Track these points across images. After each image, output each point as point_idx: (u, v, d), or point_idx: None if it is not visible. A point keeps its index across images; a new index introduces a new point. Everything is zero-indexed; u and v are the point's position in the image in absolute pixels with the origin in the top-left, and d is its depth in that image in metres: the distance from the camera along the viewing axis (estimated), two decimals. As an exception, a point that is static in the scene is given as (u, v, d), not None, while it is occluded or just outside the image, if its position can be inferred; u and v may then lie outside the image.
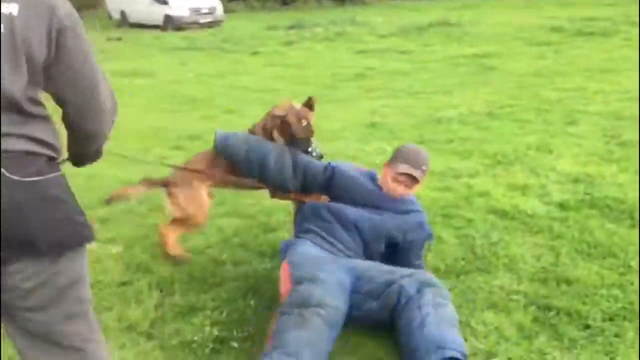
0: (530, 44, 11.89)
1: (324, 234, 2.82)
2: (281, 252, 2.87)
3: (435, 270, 3.09)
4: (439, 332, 2.29)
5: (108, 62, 11.89)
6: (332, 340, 2.33)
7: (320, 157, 3.24)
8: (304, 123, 3.07)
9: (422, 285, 2.48)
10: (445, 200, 4.11)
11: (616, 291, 2.85)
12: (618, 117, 6.10)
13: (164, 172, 4.74)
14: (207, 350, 2.46)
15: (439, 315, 2.36)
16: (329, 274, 2.52)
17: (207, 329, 2.60)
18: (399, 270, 2.63)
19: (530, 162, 4.85)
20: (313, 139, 3.17)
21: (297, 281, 2.49)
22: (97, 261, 3.26)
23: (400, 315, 2.43)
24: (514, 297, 2.86)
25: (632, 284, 2.91)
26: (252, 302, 2.85)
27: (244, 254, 3.37)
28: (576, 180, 4.35)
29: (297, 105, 3.16)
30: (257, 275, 3.13)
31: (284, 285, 2.56)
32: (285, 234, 3.60)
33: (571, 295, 2.84)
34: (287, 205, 3.70)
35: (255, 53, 12.80)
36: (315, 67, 10.51)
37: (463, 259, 3.24)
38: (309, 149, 3.18)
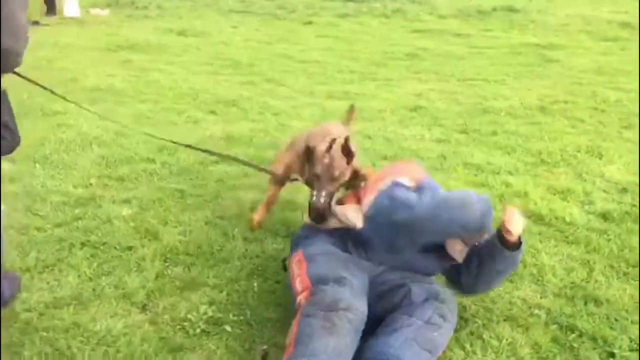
0: (598, 39, 11.24)
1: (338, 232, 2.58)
2: (292, 244, 2.70)
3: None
4: (398, 349, 2.08)
5: (162, 19, 11.91)
6: (356, 347, 2.11)
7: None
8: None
9: (430, 296, 2.29)
10: (478, 196, 3.86)
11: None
12: (682, 125, 5.67)
13: (196, 135, 4.70)
14: (197, 331, 2.34)
15: (420, 334, 2.15)
16: (353, 276, 2.29)
17: (203, 307, 2.49)
18: (412, 276, 2.44)
19: (577, 165, 4.54)
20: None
21: (319, 280, 2.26)
22: (106, 221, 3.18)
23: (389, 315, 2.26)
24: (536, 311, 2.64)
25: (669, 312, 2.65)
26: (255, 284, 2.71)
27: (257, 231, 3.22)
28: (624, 190, 4.04)
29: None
30: (266, 254, 3.00)
31: (301, 281, 2.31)
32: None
33: (599, 317, 2.60)
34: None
35: (308, 23, 12.54)
36: (367, 43, 10.19)
37: (487, 262, 3.01)
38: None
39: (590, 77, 7.96)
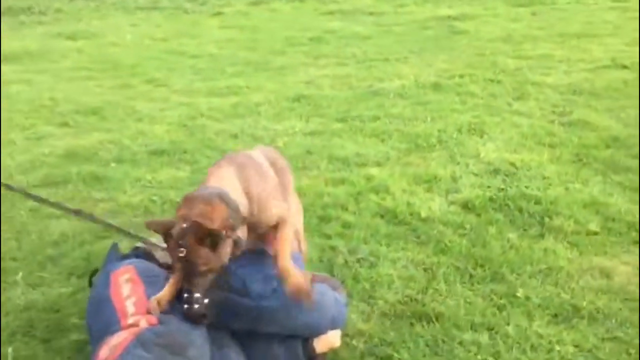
0: (511, 5, 10.98)
1: None
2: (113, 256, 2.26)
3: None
4: None
5: (58, 23, 11.15)
6: None
7: None
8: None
9: None
10: (332, 197, 3.43)
11: (485, 334, 2.21)
12: (575, 91, 5.37)
13: (32, 154, 4.13)
14: None
15: None
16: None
17: None
18: None
19: (453, 147, 4.17)
20: None
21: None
22: None
23: None
24: (353, 342, 2.21)
25: (507, 323, 2.26)
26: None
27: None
28: (495, 172, 3.68)
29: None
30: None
31: (136, 302, 1.88)
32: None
33: (424, 341, 2.19)
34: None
35: (217, 14, 11.94)
36: (271, 31, 9.68)
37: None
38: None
39: (495, 46, 7.63)
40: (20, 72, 6.95)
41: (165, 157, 4.12)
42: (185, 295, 1.81)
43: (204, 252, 1.80)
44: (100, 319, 1.89)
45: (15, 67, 7.23)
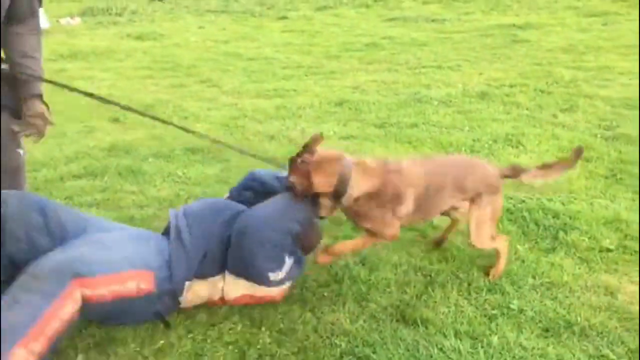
0: (582, 15, 10.62)
1: None
2: None
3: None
4: None
5: (131, 24, 11.69)
6: None
7: None
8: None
9: None
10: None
11: (467, 342, 2.19)
12: (628, 105, 5.16)
13: (78, 147, 4.41)
14: None
15: None
16: None
17: None
18: None
19: (485, 156, 4.10)
20: None
21: None
22: None
23: None
24: (336, 340, 2.25)
25: (494, 333, 2.23)
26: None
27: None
28: (516, 187, 3.59)
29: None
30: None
31: None
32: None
33: (405, 344, 2.20)
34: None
35: (282, 18, 12.20)
36: (330, 35, 9.80)
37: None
38: None
39: (554, 56, 7.44)
40: (85, 69, 7.37)
41: (199, 154, 4.28)
42: None
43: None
44: None
45: (82, 64, 7.68)
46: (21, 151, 2.63)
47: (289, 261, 2.37)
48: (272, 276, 2.34)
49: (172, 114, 5.39)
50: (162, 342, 2.24)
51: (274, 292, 2.40)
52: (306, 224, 2.40)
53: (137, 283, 2.17)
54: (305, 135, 4.71)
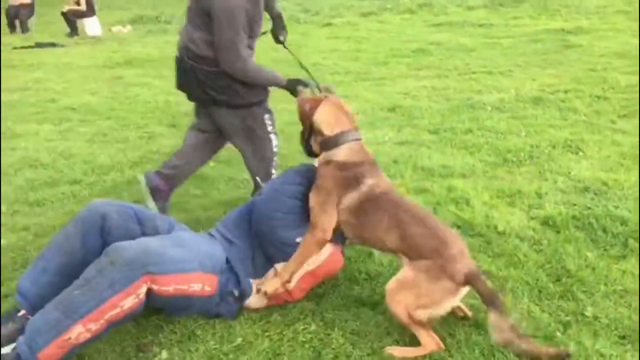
0: (633, 19, 10.38)
1: None
2: None
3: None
4: None
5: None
6: None
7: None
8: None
9: None
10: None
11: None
12: (690, 111, 5.04)
13: (141, 151, 4.49)
14: None
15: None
16: None
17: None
18: None
19: (544, 162, 4.08)
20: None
21: None
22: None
23: None
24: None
25: (570, 341, 2.22)
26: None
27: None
28: (585, 190, 3.57)
29: None
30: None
31: None
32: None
33: (480, 349, 2.21)
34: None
35: (327, 24, 12.29)
36: (377, 42, 9.83)
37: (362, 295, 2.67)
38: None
39: (608, 61, 7.30)
40: (141, 75, 7.57)
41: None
42: None
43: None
44: None
45: (138, 71, 7.89)
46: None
47: None
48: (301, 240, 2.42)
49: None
50: (240, 340, 2.30)
51: (323, 255, 2.46)
52: (307, 183, 2.51)
53: (202, 285, 2.27)
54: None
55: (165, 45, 10.02)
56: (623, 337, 2.24)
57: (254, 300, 2.47)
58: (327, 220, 2.37)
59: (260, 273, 2.51)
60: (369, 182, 2.37)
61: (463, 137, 4.75)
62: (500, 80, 6.73)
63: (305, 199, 2.48)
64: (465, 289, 2.22)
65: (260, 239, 2.53)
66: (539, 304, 2.49)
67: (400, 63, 8.07)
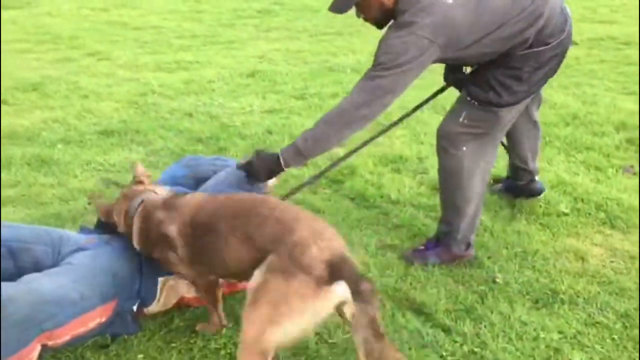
0: None
1: None
2: None
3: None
4: None
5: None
6: None
7: None
8: None
9: None
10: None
11: (469, 323, 2.15)
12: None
13: None
14: None
15: None
16: None
17: None
18: None
19: (415, 126, 4.09)
20: None
21: None
22: None
23: None
24: (326, 338, 2.11)
25: (491, 311, 2.21)
26: None
27: None
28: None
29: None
30: None
31: None
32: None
33: (409, 332, 2.11)
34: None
35: (160, -17, 11.44)
36: (216, 1, 9.35)
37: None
38: None
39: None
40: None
41: (116, 137, 3.88)
42: None
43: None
44: None
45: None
46: None
47: None
48: None
49: (69, 92, 4.85)
50: (141, 356, 1.98)
51: None
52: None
53: (99, 320, 1.91)
54: (226, 112, 4.47)
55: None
56: (536, 302, 2.28)
57: (152, 307, 2.14)
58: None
59: None
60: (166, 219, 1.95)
61: (331, 102, 4.61)
62: (352, 41, 6.73)
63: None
64: (342, 288, 1.56)
65: None
66: (451, 274, 2.45)
67: (247, 24, 7.73)
